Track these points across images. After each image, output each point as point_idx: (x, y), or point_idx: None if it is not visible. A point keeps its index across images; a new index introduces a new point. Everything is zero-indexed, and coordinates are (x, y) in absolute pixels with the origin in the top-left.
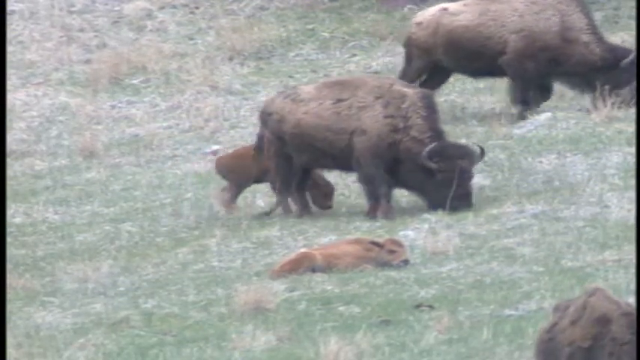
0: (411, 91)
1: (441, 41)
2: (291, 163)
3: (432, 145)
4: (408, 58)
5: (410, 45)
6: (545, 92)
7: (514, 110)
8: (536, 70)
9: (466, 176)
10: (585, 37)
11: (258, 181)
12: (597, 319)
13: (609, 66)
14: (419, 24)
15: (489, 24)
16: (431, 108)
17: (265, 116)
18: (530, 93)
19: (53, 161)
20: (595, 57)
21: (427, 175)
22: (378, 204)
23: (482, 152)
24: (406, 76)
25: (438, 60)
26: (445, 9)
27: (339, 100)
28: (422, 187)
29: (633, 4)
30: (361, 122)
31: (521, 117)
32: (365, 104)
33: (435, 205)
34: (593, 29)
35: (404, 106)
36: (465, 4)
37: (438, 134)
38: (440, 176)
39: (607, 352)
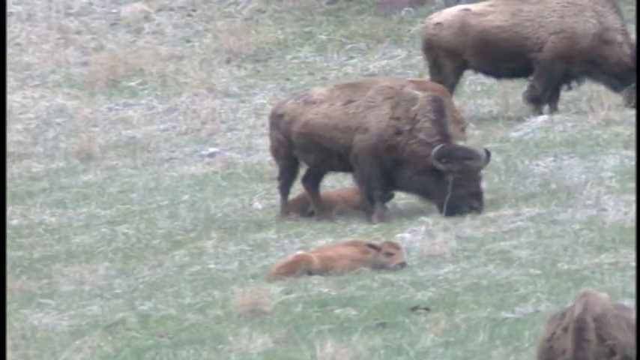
0: (422, 95)
1: (472, 42)
2: (297, 167)
3: (441, 146)
4: (434, 62)
5: (433, 47)
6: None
7: (511, 112)
8: (566, 72)
9: (475, 177)
10: (620, 38)
11: None
12: (575, 327)
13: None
14: (438, 24)
15: (526, 24)
16: (440, 112)
17: (275, 118)
18: (548, 93)
19: (50, 163)
20: (627, 57)
21: (433, 178)
22: (372, 207)
23: (489, 155)
24: (445, 82)
25: (465, 61)
26: (468, 9)
27: (350, 102)
28: (427, 191)
29: (633, 6)
30: (366, 120)
31: (538, 110)
32: (373, 104)
33: (441, 206)
34: (625, 29)
35: (413, 109)
36: (490, 5)
37: (445, 138)
38: (448, 177)
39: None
